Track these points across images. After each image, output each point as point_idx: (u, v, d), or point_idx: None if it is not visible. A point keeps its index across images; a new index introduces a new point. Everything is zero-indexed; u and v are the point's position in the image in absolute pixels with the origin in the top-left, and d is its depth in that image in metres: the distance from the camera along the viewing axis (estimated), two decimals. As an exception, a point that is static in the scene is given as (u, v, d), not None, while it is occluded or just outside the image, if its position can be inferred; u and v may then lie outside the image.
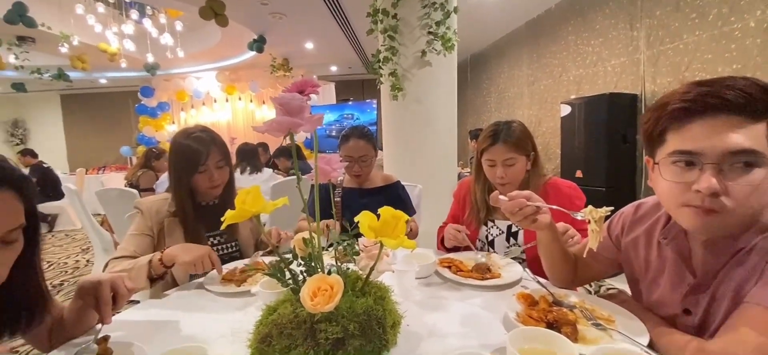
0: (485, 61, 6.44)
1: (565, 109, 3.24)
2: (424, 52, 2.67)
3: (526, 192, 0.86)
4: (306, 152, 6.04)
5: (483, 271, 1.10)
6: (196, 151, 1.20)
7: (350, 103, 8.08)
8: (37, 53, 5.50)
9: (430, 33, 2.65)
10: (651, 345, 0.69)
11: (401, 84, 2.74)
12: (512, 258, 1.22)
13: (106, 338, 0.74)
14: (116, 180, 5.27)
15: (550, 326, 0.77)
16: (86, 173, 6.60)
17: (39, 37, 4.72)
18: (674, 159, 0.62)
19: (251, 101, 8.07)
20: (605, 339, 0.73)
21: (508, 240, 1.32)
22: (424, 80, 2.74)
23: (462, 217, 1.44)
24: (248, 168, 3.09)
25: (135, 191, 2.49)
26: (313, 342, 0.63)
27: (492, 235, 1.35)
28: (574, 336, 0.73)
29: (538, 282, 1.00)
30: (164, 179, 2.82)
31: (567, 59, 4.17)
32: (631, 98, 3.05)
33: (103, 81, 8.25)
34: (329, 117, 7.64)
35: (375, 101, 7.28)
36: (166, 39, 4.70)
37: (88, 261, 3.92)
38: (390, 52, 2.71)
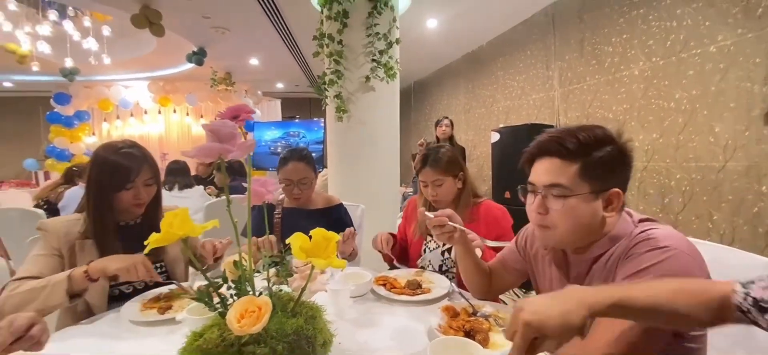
0: (428, 87, 6.84)
1: (495, 136, 3.56)
2: (368, 78, 2.78)
3: (449, 211, 0.98)
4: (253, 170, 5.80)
5: (414, 287, 1.17)
6: (125, 167, 1.13)
7: (297, 120, 7.97)
8: None
9: (373, 60, 2.78)
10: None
11: (346, 106, 2.81)
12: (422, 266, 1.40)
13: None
14: (17, 198, 4.58)
15: (468, 334, 0.87)
16: (-24, 189, 5.62)
17: None
18: (528, 187, 0.83)
19: (188, 114, 7.59)
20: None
21: (443, 254, 1.43)
22: (368, 104, 2.85)
23: (408, 231, 1.55)
24: (177, 185, 2.92)
25: (42, 212, 2.20)
26: (240, 365, 0.64)
27: (430, 248, 1.46)
28: (485, 342, 0.83)
29: (461, 295, 1.10)
30: (71, 197, 2.50)
31: (497, 91, 4.61)
32: (549, 129, 3.46)
33: (7, 84, 7.19)
34: (275, 134, 7.45)
35: (322, 120, 7.28)
36: (90, 43, 4.29)
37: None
38: (335, 76, 2.78)
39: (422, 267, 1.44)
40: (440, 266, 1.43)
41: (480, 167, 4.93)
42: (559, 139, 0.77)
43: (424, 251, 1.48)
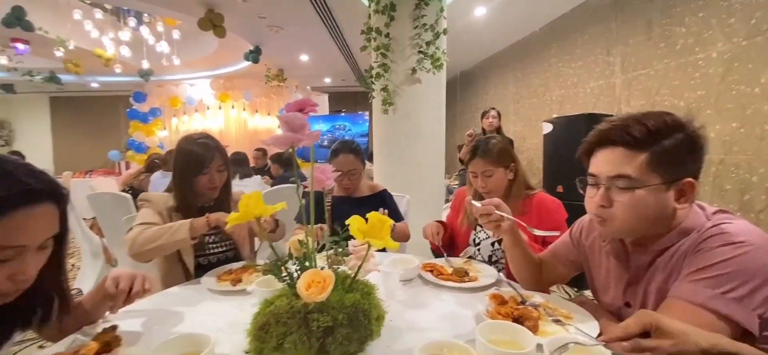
0: (474, 78, 6.67)
1: (547, 127, 3.41)
2: (414, 70, 2.81)
3: (496, 200, 0.98)
4: (299, 161, 6.11)
5: (462, 274, 1.20)
6: (201, 155, 1.31)
7: (343, 114, 8.21)
8: (30, 55, 5.49)
9: (420, 52, 2.79)
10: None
11: (392, 99, 2.87)
12: (468, 257, 1.39)
13: (114, 327, 0.82)
14: (105, 184, 5.24)
15: (516, 321, 0.88)
16: (73, 177, 6.53)
17: (35, 40, 4.73)
18: (588, 179, 0.80)
19: (244, 110, 8.13)
20: (561, 332, 0.84)
21: (492, 245, 1.44)
22: (414, 96, 2.88)
23: (456, 222, 1.57)
24: (238, 174, 3.18)
25: (128, 196, 2.53)
26: (306, 330, 0.72)
27: (480, 238, 1.47)
28: (535, 330, 0.84)
29: (510, 285, 1.11)
30: (156, 184, 2.86)
31: (550, 79, 4.38)
32: (608, 118, 3.23)
33: (94, 85, 8.22)
34: (322, 127, 7.75)
35: (367, 113, 7.43)
36: (163, 47, 4.78)
37: (73, 265, 3.88)
38: (382, 69, 2.84)
39: (470, 257, 1.45)
40: (490, 257, 1.44)
41: (530, 160, 4.73)
42: (624, 128, 0.72)
43: (473, 241, 1.49)
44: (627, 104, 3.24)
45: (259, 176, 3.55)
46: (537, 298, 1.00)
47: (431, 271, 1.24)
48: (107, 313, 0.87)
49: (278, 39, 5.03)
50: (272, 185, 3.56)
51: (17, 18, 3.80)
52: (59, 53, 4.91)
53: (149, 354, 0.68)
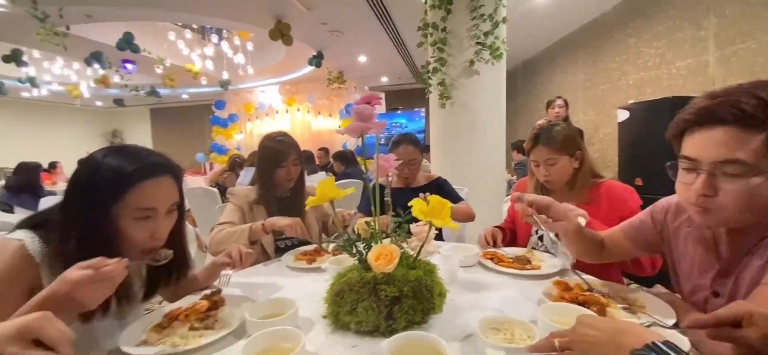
0: (537, 67, 6.30)
1: (623, 115, 3.12)
2: (472, 62, 2.78)
3: (546, 200, 0.94)
4: (358, 158, 6.37)
5: (524, 262, 1.20)
6: (279, 151, 1.49)
7: (399, 112, 8.33)
8: (135, 73, 6.50)
9: (478, 43, 2.75)
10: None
11: (449, 92, 2.87)
12: (531, 248, 1.33)
13: (219, 291, 0.99)
14: (194, 182, 6.00)
15: (582, 306, 0.87)
16: (169, 177, 7.54)
17: (139, 60, 5.60)
18: (681, 163, 0.70)
19: (308, 112, 8.68)
20: (633, 320, 0.81)
21: (557, 236, 1.40)
22: (472, 88, 2.85)
23: (517, 215, 1.55)
24: (306, 171, 3.47)
25: (216, 191, 2.91)
26: (375, 298, 0.80)
27: (541, 230, 1.44)
28: (601, 314, 0.82)
29: (577, 275, 1.07)
30: (243, 178, 3.24)
31: (626, 62, 3.98)
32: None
33: (185, 96, 9.42)
34: (379, 125, 7.94)
35: (424, 109, 7.44)
36: (239, 58, 5.33)
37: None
38: (439, 63, 2.86)
39: (533, 248, 1.42)
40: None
41: (603, 151, 4.36)
42: (733, 103, 0.60)
43: (535, 231, 1.46)
44: (722, 83, 2.83)
45: (323, 172, 3.81)
46: (606, 289, 0.97)
47: (492, 258, 1.25)
48: (216, 281, 1.06)
49: (338, 43, 5.29)
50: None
51: (127, 42, 4.56)
52: (159, 70, 5.75)
53: (246, 311, 0.82)
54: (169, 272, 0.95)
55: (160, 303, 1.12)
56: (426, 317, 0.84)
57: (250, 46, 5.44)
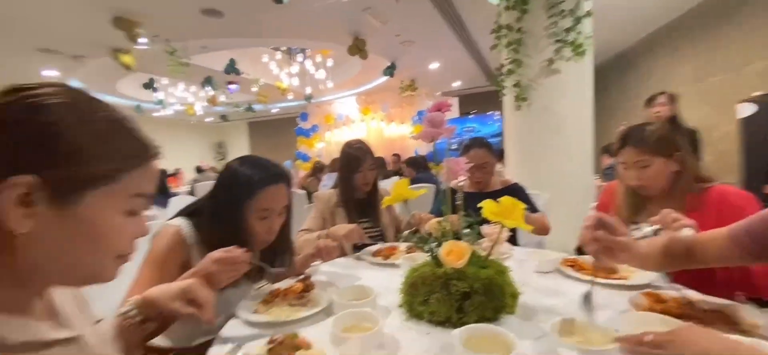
0: (633, 59, 5.60)
1: (748, 109, 2.63)
2: (551, 61, 2.64)
3: (615, 219, 0.84)
4: (430, 164, 6.42)
5: (609, 272, 1.11)
6: (357, 157, 1.63)
7: (472, 116, 8.15)
8: (236, 92, 7.51)
9: (557, 41, 2.61)
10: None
11: (525, 94, 2.76)
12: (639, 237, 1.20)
13: (309, 276, 1.14)
14: (282, 187, 6.68)
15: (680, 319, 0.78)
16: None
17: (240, 81, 6.49)
18: None
19: (382, 120, 9.01)
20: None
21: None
22: (553, 88, 2.69)
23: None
24: (379, 176, 3.68)
25: (303, 193, 3.25)
26: (447, 292, 0.86)
27: (635, 237, 1.32)
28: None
29: (675, 289, 0.97)
30: (325, 182, 3.56)
31: (752, 48, 3.34)
32: None
33: (275, 110, 10.55)
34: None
35: (498, 113, 7.16)
36: (320, 74, 5.81)
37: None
38: (514, 65, 2.77)
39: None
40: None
41: (721, 154, 3.70)
42: None
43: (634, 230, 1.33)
44: None
45: (397, 177, 3.95)
46: (707, 305, 0.86)
47: (572, 266, 1.19)
48: (307, 270, 1.23)
49: (411, 52, 5.43)
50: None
51: (232, 66, 5.35)
52: (254, 89, 6.58)
53: (333, 294, 0.95)
54: (273, 260, 1.14)
55: (263, 285, 1.32)
56: (497, 314, 0.86)
57: (329, 62, 5.91)
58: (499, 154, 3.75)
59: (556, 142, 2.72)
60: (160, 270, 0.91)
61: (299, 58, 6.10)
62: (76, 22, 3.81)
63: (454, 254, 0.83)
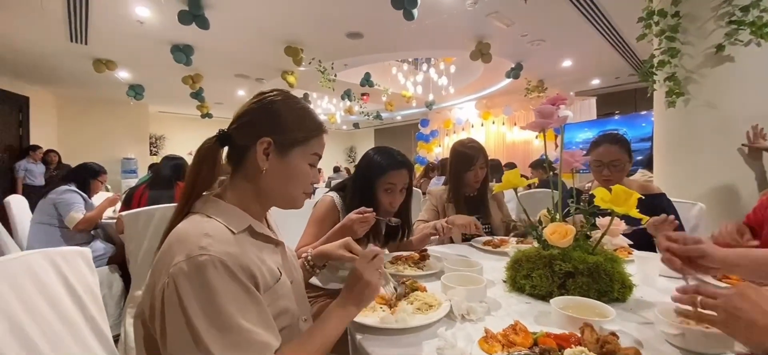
0: None
1: None
2: (719, 47, 2.19)
3: (700, 249, 0.76)
4: (555, 167, 5.89)
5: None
6: (469, 155, 1.76)
7: (616, 117, 7.06)
8: (367, 102, 8.43)
9: (731, 22, 2.15)
10: None
11: (682, 88, 2.35)
12: None
13: (426, 249, 1.35)
14: (403, 188, 7.17)
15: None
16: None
17: (371, 91, 7.29)
18: None
19: (503, 124, 8.66)
20: None
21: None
22: (719, 80, 2.22)
23: (765, 231, 1.25)
24: (494, 178, 3.64)
25: (418, 191, 3.53)
26: (549, 270, 0.94)
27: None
28: None
29: None
30: (435, 183, 3.78)
31: None
32: None
33: (398, 117, 11.34)
34: (587, 134, 7.00)
35: (651, 112, 6.02)
36: (443, 81, 6.04)
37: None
38: (668, 55, 2.39)
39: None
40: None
41: None
42: None
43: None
44: None
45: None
46: None
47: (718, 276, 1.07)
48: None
49: (539, 51, 5.13)
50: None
51: (366, 79, 6.10)
52: (384, 98, 7.27)
53: (444, 261, 1.13)
54: (397, 232, 1.42)
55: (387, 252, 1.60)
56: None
57: (452, 69, 6.08)
58: (648, 161, 3.25)
59: (724, 143, 2.24)
60: (320, 226, 1.29)
61: (423, 67, 6.48)
62: (261, 53, 5.06)
63: (558, 233, 0.91)
